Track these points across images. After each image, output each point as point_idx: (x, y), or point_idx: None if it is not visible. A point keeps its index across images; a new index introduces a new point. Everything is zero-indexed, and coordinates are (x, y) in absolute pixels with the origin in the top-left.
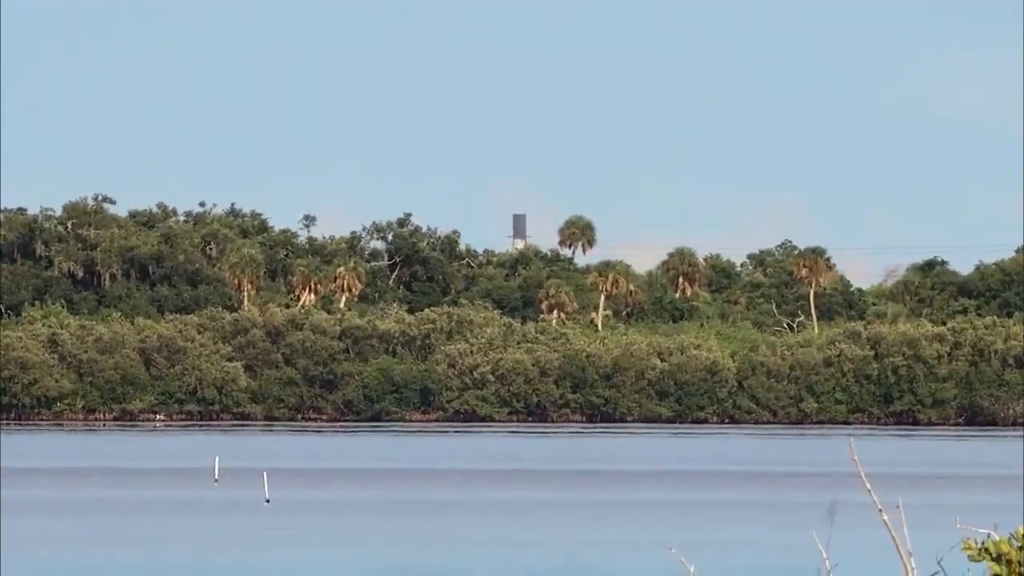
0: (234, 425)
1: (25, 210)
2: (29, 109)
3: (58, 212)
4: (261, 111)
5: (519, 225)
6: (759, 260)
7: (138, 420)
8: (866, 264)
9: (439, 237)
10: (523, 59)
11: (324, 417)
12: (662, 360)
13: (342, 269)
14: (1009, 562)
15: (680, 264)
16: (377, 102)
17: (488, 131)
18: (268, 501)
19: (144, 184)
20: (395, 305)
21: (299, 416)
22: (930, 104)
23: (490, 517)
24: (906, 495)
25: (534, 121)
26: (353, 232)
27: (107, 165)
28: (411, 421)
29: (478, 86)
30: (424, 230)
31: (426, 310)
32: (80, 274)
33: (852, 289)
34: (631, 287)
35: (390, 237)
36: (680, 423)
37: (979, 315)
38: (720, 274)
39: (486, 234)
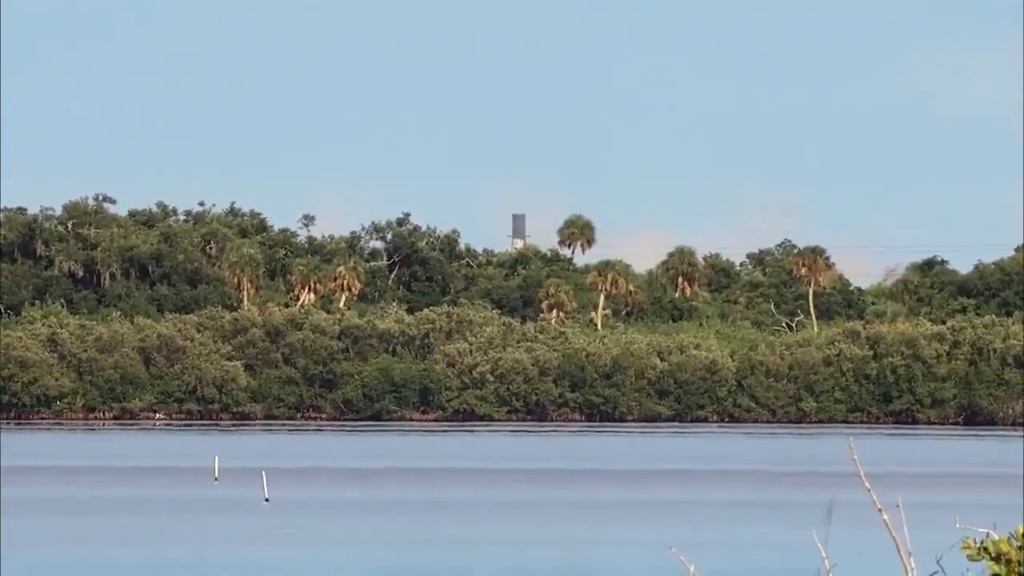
0: (234, 424)
1: (25, 209)
2: (29, 109)
3: (58, 211)
4: (260, 111)
5: (518, 225)
6: (758, 259)
7: (138, 419)
8: (865, 263)
9: (438, 237)
10: (522, 58)
11: (323, 416)
12: (661, 359)
13: (341, 269)
14: (1008, 561)
15: (679, 263)
16: (376, 102)
17: (487, 131)
18: (267, 500)
19: (144, 184)
20: (394, 305)
21: (298, 415)
22: (929, 103)
23: (489, 516)
24: (905, 495)
25: (533, 121)
26: (352, 232)
27: (107, 165)
28: (410, 420)
29: (477, 85)
30: (423, 230)
31: (425, 310)
32: (80, 273)
33: (851, 288)
34: (630, 286)
35: (389, 237)
36: (679, 422)
37: (978, 314)
38: (719, 273)
39: (485, 234)
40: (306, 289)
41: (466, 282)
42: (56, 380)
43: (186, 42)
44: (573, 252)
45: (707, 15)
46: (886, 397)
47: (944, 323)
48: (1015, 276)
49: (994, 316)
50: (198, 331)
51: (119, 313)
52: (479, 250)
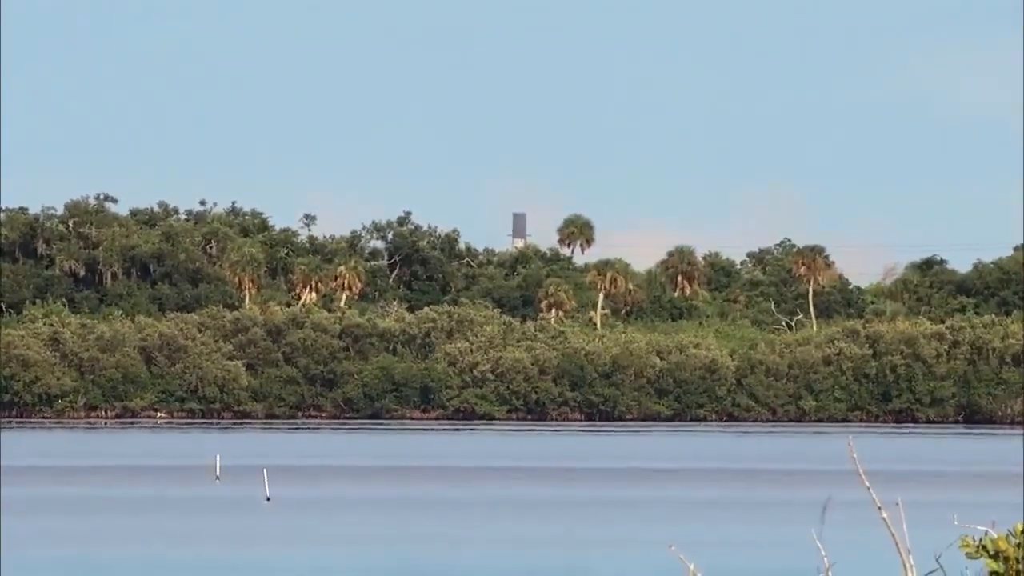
0: (235, 423)
1: (27, 209)
2: (31, 108)
3: (60, 211)
4: (262, 111)
5: (518, 224)
6: (758, 258)
7: (139, 418)
8: (865, 262)
9: (439, 236)
10: (522, 58)
11: (324, 415)
12: (661, 358)
13: (342, 268)
14: (1007, 559)
15: (679, 262)
16: (377, 102)
17: (487, 131)
18: (269, 499)
19: (145, 183)
20: (395, 304)
21: (299, 414)
22: (929, 103)
23: (489, 514)
24: (905, 493)
25: (533, 121)
26: (353, 231)
27: (109, 164)
28: (411, 419)
29: (477, 85)
30: (424, 229)
31: (426, 309)
32: (81, 273)
33: (851, 287)
34: (630, 285)
35: (390, 236)
36: (679, 421)
37: (977, 313)
38: (719, 272)
39: (486, 233)
40: (307, 288)
41: (466, 281)
42: (58, 379)
43: (187, 42)
44: (573, 251)
45: (706, 15)
46: (885, 396)
47: (943, 322)
48: (1014, 275)
49: (993, 315)
50: (199, 330)
51: (120, 312)
52: (479, 249)
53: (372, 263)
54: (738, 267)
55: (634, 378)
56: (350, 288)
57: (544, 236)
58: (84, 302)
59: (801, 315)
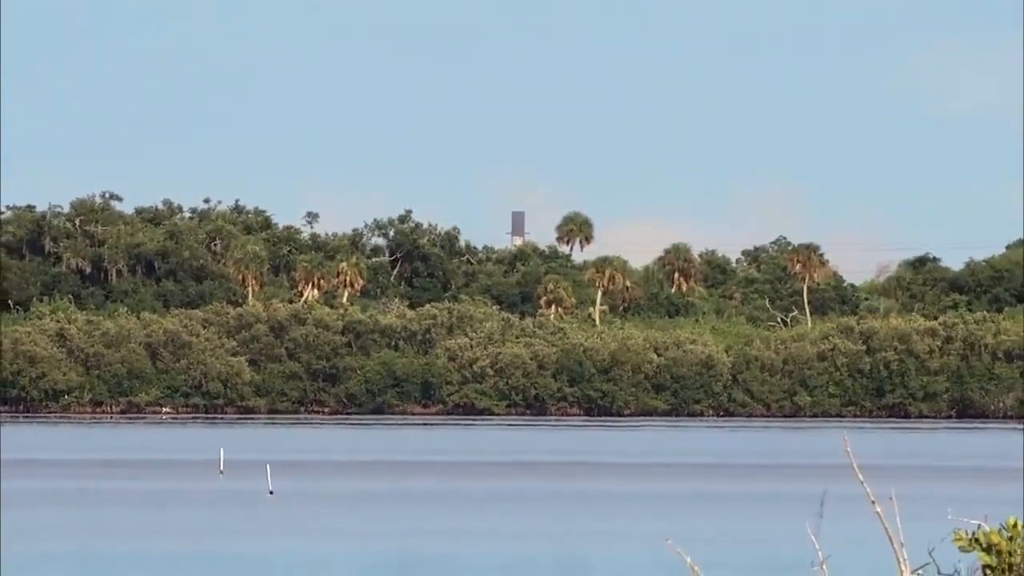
0: (238, 418)
1: (34, 207)
2: (37, 108)
3: (66, 209)
4: (265, 110)
5: (518, 222)
6: (753, 256)
7: (144, 413)
8: (859, 260)
9: (439, 234)
10: (520, 57)
11: (327, 410)
12: (658, 354)
13: (344, 265)
14: (999, 552)
15: (676, 260)
16: (378, 102)
17: (487, 131)
18: (272, 492)
19: (150, 182)
20: (396, 300)
21: (302, 409)
22: (921, 104)
23: (489, 508)
24: (898, 487)
25: (532, 120)
26: (355, 229)
27: (114, 163)
28: (412, 414)
29: (476, 86)
30: (425, 227)
31: (427, 305)
32: (87, 270)
33: (845, 284)
34: (628, 282)
35: (391, 234)
36: (676, 416)
37: (970, 310)
38: (715, 270)
39: (485, 231)
40: (310, 285)
41: (466, 278)
42: (64, 374)
43: (191, 43)
44: (571, 249)
45: (705, 14)
46: (879, 391)
47: (936, 319)
48: (1005, 273)
49: (985, 312)
50: (203, 327)
51: (126, 309)
52: (479, 247)
53: (373, 260)
54: (734, 265)
55: (632, 374)
56: (352, 285)
57: (542, 234)
58: (90, 299)
59: (796, 312)
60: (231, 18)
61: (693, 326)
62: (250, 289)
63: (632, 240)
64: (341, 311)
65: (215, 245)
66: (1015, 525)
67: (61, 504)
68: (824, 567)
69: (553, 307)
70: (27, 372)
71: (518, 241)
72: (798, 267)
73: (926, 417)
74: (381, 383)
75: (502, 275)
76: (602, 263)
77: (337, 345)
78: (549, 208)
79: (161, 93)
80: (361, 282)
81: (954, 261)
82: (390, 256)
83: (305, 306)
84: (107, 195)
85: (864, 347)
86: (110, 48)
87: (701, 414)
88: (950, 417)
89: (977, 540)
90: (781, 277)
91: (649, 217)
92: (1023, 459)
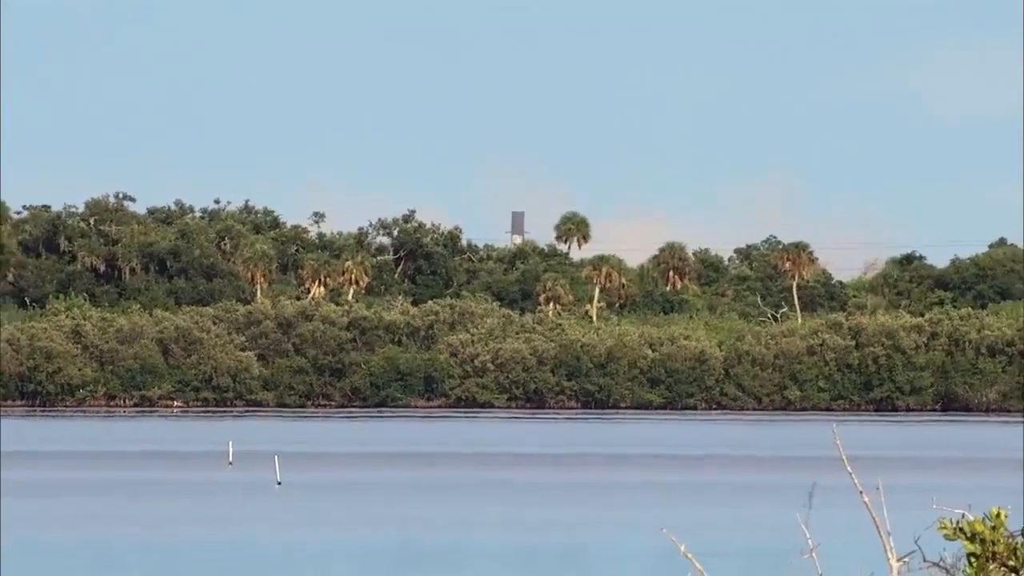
0: (247, 411)
1: (49, 207)
2: (53, 111)
3: (81, 209)
4: (273, 114)
5: (517, 221)
6: (745, 254)
7: (156, 407)
8: (847, 258)
9: (442, 233)
10: (519, 62)
11: (333, 404)
12: (653, 350)
13: (350, 263)
14: (983, 541)
15: (670, 258)
16: (384, 106)
17: (487, 134)
18: (279, 483)
19: (162, 183)
20: (400, 297)
21: (309, 403)
22: (909, 106)
23: (490, 498)
24: (885, 478)
25: (531, 124)
26: (360, 228)
27: (127, 165)
28: (415, 407)
29: (477, 89)
30: (427, 226)
31: (429, 302)
32: (102, 268)
33: (834, 282)
34: (623, 280)
35: (395, 233)
36: (670, 409)
37: (954, 307)
38: (708, 268)
39: (486, 230)
40: (316, 283)
41: (468, 276)
42: (79, 369)
43: (202, 50)
44: (569, 247)
45: (703, 13)
46: (867, 385)
47: (922, 315)
48: (989, 271)
49: (970, 308)
50: (214, 323)
51: (139, 306)
52: (480, 245)
53: (378, 259)
54: (726, 263)
55: (627, 368)
56: (357, 282)
57: (541, 233)
58: (104, 296)
59: (786, 308)
60: (241, 26)
61: (687, 322)
62: (259, 287)
63: (628, 238)
64: (347, 308)
65: (225, 244)
66: (998, 515)
67: (76, 494)
68: (814, 555)
69: (552, 304)
70: (43, 367)
71: (518, 240)
72: (788, 265)
73: (912, 410)
74: (385, 377)
75: (502, 273)
76: (599, 261)
77: (343, 341)
78: (548, 208)
79: (173, 97)
80: (366, 280)
81: (939, 259)
82: (394, 254)
83: (312, 303)
84: (121, 196)
85: (852, 342)
86: (124, 53)
87: (694, 407)
88: (935, 410)
89: (961, 529)
90: (772, 275)
91: (644, 216)
92: (1006, 451)
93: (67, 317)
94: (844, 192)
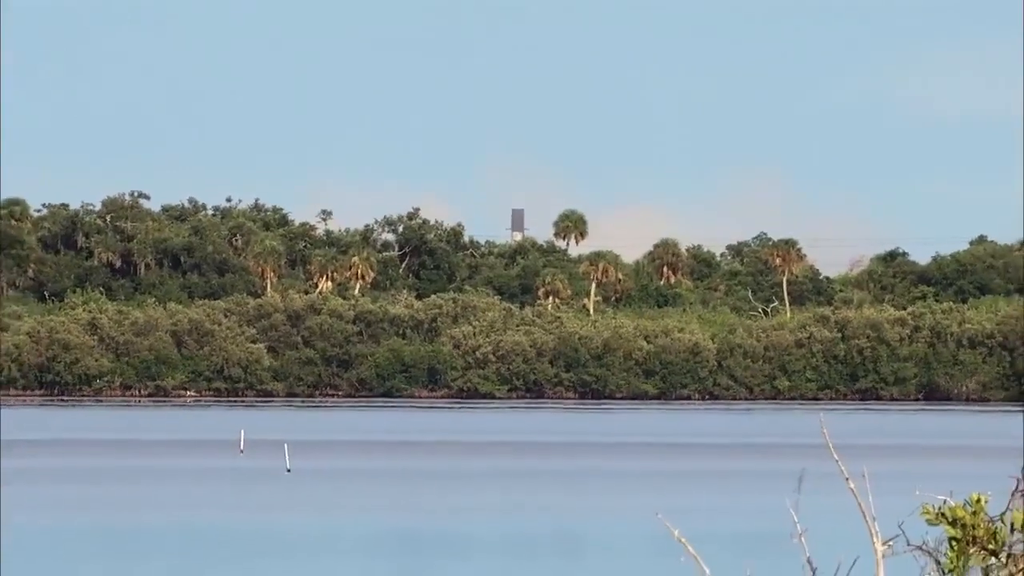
0: (258, 401)
1: (67, 205)
2: (71, 113)
3: (97, 207)
4: (284, 115)
5: (517, 219)
6: (736, 251)
7: (170, 396)
8: (834, 255)
9: (445, 230)
10: (518, 63)
11: (340, 394)
12: (648, 342)
13: (356, 259)
14: (964, 525)
15: (664, 254)
16: (389, 107)
17: (487, 136)
18: (289, 470)
19: (176, 181)
20: (404, 292)
21: (317, 393)
22: (895, 108)
23: (491, 485)
24: (870, 465)
25: (531, 127)
26: (366, 225)
27: (143, 164)
28: (419, 398)
29: (479, 90)
30: (431, 223)
31: (433, 296)
32: (118, 263)
33: (821, 277)
34: (620, 275)
35: (400, 230)
36: (664, 400)
37: (936, 301)
38: (701, 263)
39: (487, 227)
40: (324, 278)
41: (470, 271)
42: (96, 360)
43: (215, 53)
44: (567, 244)
45: (702, 12)
46: (853, 376)
47: (905, 309)
48: (969, 267)
49: (951, 303)
50: (225, 316)
51: (153, 299)
52: (482, 242)
53: (383, 254)
54: (718, 259)
55: (623, 360)
56: (363, 277)
57: (541, 230)
58: (120, 290)
59: (776, 302)
60: (252, 31)
61: (680, 316)
62: (268, 281)
63: (624, 235)
64: (353, 302)
65: (236, 240)
66: (978, 500)
67: (92, 481)
68: (802, 539)
69: (550, 298)
70: (62, 358)
71: (518, 236)
72: (778, 261)
73: (896, 400)
74: (390, 369)
75: (503, 268)
76: (596, 257)
77: (349, 333)
78: (547, 206)
79: (187, 100)
80: (372, 275)
81: (922, 256)
82: (399, 250)
83: (320, 297)
84: (136, 194)
85: (839, 335)
86: (138, 56)
87: (688, 397)
88: (918, 400)
89: (943, 514)
90: (762, 270)
91: (640, 214)
92: (986, 439)
93: (84, 310)
94: (832, 192)
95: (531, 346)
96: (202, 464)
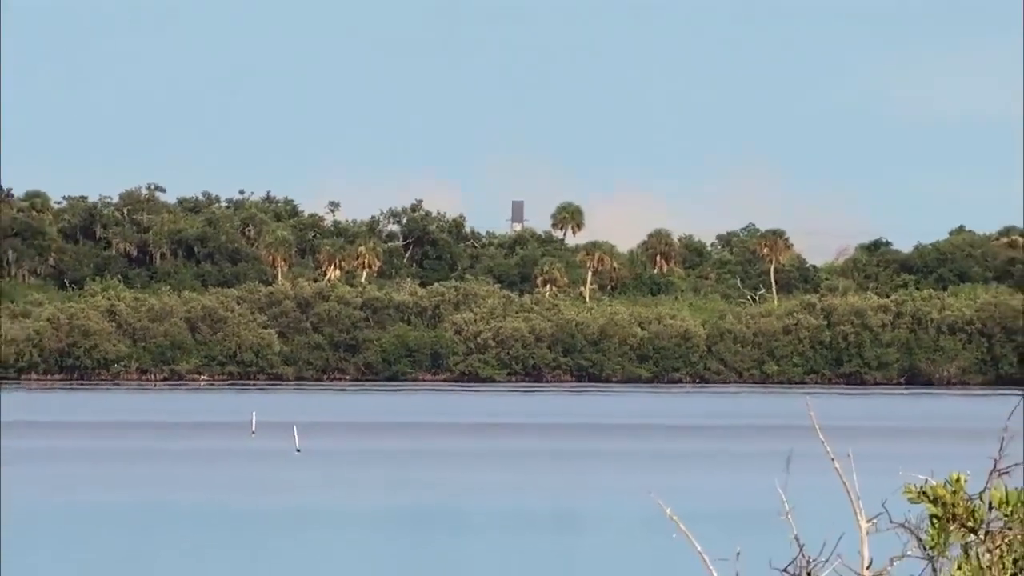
0: (268, 384)
1: (86, 198)
2: (90, 109)
3: (115, 199)
4: (294, 112)
5: (517, 210)
6: (726, 240)
7: (185, 380)
8: (820, 244)
9: (447, 221)
10: (517, 62)
11: (347, 377)
12: (642, 328)
13: (363, 248)
14: (944, 504)
15: (657, 244)
16: (396, 103)
17: (489, 131)
18: (299, 451)
19: (191, 175)
20: (409, 280)
21: (325, 377)
22: (881, 106)
23: (491, 464)
24: (855, 446)
25: (531, 125)
26: (372, 216)
27: (159, 158)
28: (423, 381)
29: (481, 86)
30: (434, 215)
31: (436, 284)
32: (135, 253)
33: (807, 266)
34: (615, 264)
35: (404, 221)
36: (657, 383)
37: (918, 289)
38: (692, 253)
39: (488, 218)
40: (332, 266)
41: (471, 260)
42: (114, 346)
43: (229, 53)
44: (564, 234)
45: (699, 12)
46: (838, 361)
47: (888, 296)
48: (949, 256)
49: (931, 290)
50: (237, 303)
51: (168, 288)
52: (483, 232)
53: (389, 244)
54: (709, 248)
55: (618, 345)
56: (369, 266)
57: (539, 221)
58: (137, 279)
59: (764, 290)
60: (265, 30)
61: (673, 303)
62: (279, 270)
63: (618, 226)
64: (360, 290)
65: (248, 231)
66: (958, 480)
67: (111, 460)
68: (790, 517)
69: (548, 286)
70: (81, 344)
71: (517, 227)
72: (766, 250)
73: (879, 384)
74: (395, 353)
75: (503, 257)
76: (592, 247)
77: (356, 320)
78: (545, 198)
79: (202, 98)
80: (378, 264)
81: (904, 245)
82: (403, 240)
83: (328, 285)
84: (152, 187)
85: (824, 322)
86: (157, 56)
87: (680, 381)
88: (900, 384)
89: (925, 493)
90: (751, 259)
91: (634, 205)
92: (966, 421)
93: (103, 298)
94: (818, 184)
95: (530, 332)
96: (215, 445)
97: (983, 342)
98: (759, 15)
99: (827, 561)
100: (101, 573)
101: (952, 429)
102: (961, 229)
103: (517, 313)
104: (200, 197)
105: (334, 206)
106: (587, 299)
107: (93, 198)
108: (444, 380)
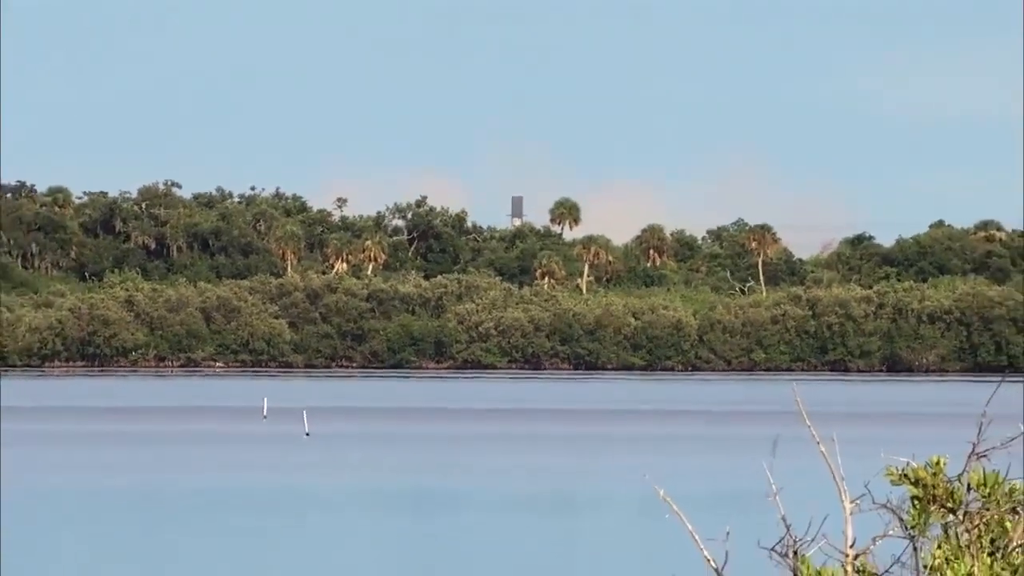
0: (279, 372)
1: (106, 193)
2: (109, 107)
3: (134, 194)
4: (304, 112)
5: (517, 206)
6: (716, 235)
7: (200, 367)
8: (806, 238)
9: (450, 216)
10: (517, 62)
11: (354, 365)
12: (636, 318)
13: (369, 242)
14: (925, 486)
15: (651, 238)
16: (402, 103)
17: (490, 130)
18: (308, 434)
19: (205, 171)
20: (413, 272)
21: (333, 364)
22: (870, 105)
23: (492, 448)
24: (839, 430)
25: (530, 124)
26: (378, 212)
27: (175, 155)
28: (427, 368)
29: (482, 84)
30: (437, 210)
31: (439, 276)
32: (152, 246)
33: (794, 259)
34: (610, 257)
35: (409, 216)
36: (651, 371)
37: (899, 280)
38: (684, 246)
39: (489, 213)
40: (339, 259)
41: (473, 254)
42: (132, 335)
43: (241, 55)
44: (562, 229)
45: (696, 11)
46: (823, 349)
47: (871, 288)
48: (929, 249)
49: (912, 282)
50: (250, 294)
51: (184, 279)
52: (484, 227)
53: (394, 238)
54: (700, 242)
55: (613, 334)
56: (375, 259)
57: (538, 216)
58: (154, 271)
59: (752, 282)
60: (275, 30)
61: (665, 294)
62: (289, 263)
63: (614, 221)
64: (366, 281)
65: (260, 225)
66: (938, 462)
67: (131, 443)
68: (777, 498)
69: (547, 278)
70: (101, 332)
71: (517, 222)
72: (754, 244)
73: (862, 371)
74: (400, 342)
75: (503, 251)
76: (588, 241)
77: (363, 310)
78: (544, 194)
79: (216, 97)
80: (383, 257)
81: (886, 239)
82: (408, 235)
83: (336, 277)
84: (169, 183)
85: (810, 312)
86: (173, 56)
87: (672, 369)
88: (882, 371)
89: (906, 475)
90: (740, 253)
91: (628, 200)
92: (945, 406)
93: (122, 289)
94: (804, 181)
95: (529, 322)
96: (228, 429)
97: (961, 331)
98: (749, 13)
99: (813, 540)
100: (119, 550)
101: (932, 414)
102: (940, 223)
103: (517, 304)
104: (214, 193)
105: (341, 202)
106: (584, 291)
107: (113, 193)
108: (447, 368)
